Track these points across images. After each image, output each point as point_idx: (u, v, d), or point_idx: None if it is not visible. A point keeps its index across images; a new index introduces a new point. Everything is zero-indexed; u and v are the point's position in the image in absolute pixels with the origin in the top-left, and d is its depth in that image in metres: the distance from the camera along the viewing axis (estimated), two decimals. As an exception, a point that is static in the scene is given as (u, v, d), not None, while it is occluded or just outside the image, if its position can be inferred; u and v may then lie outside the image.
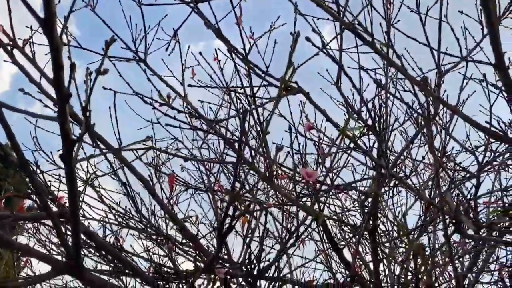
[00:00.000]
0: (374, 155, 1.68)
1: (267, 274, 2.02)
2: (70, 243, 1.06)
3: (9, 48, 1.67)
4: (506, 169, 2.55)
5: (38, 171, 1.84)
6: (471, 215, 1.33)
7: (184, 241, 2.12)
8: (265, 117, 2.06)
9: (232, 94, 1.93)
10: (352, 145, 1.73)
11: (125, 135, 2.13)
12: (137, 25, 2.23)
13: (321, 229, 2.05)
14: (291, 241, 1.75)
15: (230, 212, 0.96)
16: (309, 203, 2.05)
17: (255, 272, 1.48)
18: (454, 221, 1.29)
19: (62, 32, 0.73)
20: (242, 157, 1.28)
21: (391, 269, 2.81)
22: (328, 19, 1.59)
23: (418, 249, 1.05)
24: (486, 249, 2.56)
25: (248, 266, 1.45)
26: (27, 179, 1.68)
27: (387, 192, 2.36)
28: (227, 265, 1.87)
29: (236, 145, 2.19)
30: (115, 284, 1.31)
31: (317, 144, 1.96)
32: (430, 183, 2.32)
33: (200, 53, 2.16)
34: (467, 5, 2.14)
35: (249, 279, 1.47)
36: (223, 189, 2.41)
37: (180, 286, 2.08)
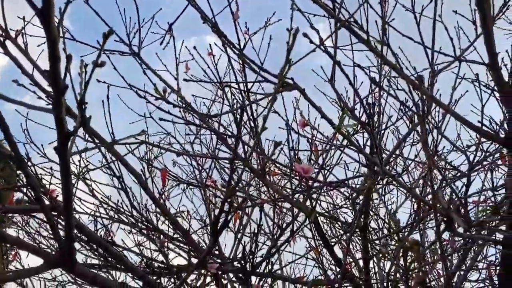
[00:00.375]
0: (367, 153, 1.69)
1: (257, 270, 2.02)
2: (62, 237, 1.05)
3: (1, 39, 1.65)
4: (496, 168, 2.58)
5: (30, 164, 1.82)
6: (463, 213, 1.34)
7: (175, 236, 2.12)
8: (258, 113, 2.07)
9: (227, 89, 1.92)
10: (345, 142, 1.74)
11: (116, 129, 2.12)
12: (131, 18, 2.22)
13: (313, 225, 2.06)
14: (285, 237, 1.75)
15: (225, 207, 0.96)
16: (301, 200, 2.06)
17: (248, 268, 1.48)
18: (445, 219, 1.30)
19: (60, 24, 0.72)
20: (236, 153, 1.28)
21: (381, 266, 2.83)
22: (324, 15, 1.59)
23: (413, 245, 1.06)
24: (474, 247, 2.59)
25: (242, 262, 1.45)
26: (19, 172, 1.66)
27: (379, 190, 2.37)
28: (218, 260, 1.87)
29: (229, 140, 2.19)
30: (106, 278, 1.30)
31: (310, 141, 1.96)
32: (421, 181, 2.34)
33: (194, 47, 2.15)
34: (461, 4, 2.15)
35: (242, 274, 1.48)
36: (216, 184, 2.40)
37: (171, 281, 2.08)
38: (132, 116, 2.54)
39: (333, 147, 1.84)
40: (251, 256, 1.47)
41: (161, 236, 2.02)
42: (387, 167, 2.11)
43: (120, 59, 2.31)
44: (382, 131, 1.86)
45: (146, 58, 2.21)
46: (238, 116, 2.03)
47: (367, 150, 1.96)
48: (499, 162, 2.49)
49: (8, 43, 1.77)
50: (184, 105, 1.72)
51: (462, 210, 1.21)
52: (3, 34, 1.70)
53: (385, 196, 2.48)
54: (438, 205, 1.22)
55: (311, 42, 1.45)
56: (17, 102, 0.74)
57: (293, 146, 1.88)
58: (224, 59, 2.34)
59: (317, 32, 1.47)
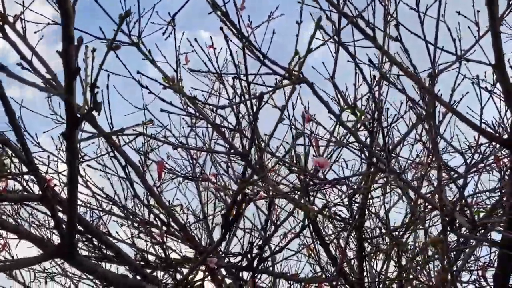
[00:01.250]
0: (373, 150, 1.67)
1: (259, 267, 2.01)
2: (64, 228, 1.02)
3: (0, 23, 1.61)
4: (491, 171, 2.59)
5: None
6: (467, 214, 1.33)
7: (170, 229, 2.09)
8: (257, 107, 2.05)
9: (228, 81, 1.90)
10: (350, 138, 1.72)
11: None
12: (131, 8, 2.18)
13: (310, 223, 2.04)
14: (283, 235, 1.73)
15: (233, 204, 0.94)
16: (296, 196, 2.04)
17: (254, 264, 1.46)
18: (448, 219, 1.29)
19: (75, 3, 0.69)
20: (251, 146, 1.26)
21: (372, 265, 2.83)
22: (330, 10, 1.58)
23: (436, 242, 1.04)
24: (466, 248, 2.60)
25: (249, 258, 1.43)
26: (15, 160, 1.62)
27: (383, 188, 2.36)
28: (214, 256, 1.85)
29: (226, 133, 2.17)
30: (106, 269, 1.28)
31: (311, 136, 1.94)
32: (416, 181, 2.34)
33: (195, 39, 2.12)
34: (462, 5, 2.15)
35: (249, 271, 1.46)
36: (216, 179, 2.38)
37: (167, 274, 2.05)
38: (128, 108, 2.50)
39: (335, 144, 1.82)
40: (259, 252, 1.45)
41: (162, 228, 1.99)
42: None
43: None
44: (387, 128, 1.85)
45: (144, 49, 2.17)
46: (237, 109, 2.01)
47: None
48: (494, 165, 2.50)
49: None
50: (190, 96, 1.69)
51: (467, 210, 1.20)
52: (1, 18, 1.66)
53: (385, 195, 2.47)
54: (444, 205, 1.21)
55: (326, 33, 1.43)
56: (29, 83, 0.71)
57: (293, 141, 1.86)
58: (223, 54, 2.33)
59: (333, 24, 1.45)
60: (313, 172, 1.43)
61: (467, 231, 1.37)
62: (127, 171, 1.89)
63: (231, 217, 0.92)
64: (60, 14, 0.67)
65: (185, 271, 1.95)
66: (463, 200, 1.46)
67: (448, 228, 1.37)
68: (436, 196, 1.40)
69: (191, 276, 1.78)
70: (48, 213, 2.04)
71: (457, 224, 1.43)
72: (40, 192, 1.01)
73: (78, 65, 0.94)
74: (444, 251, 1.13)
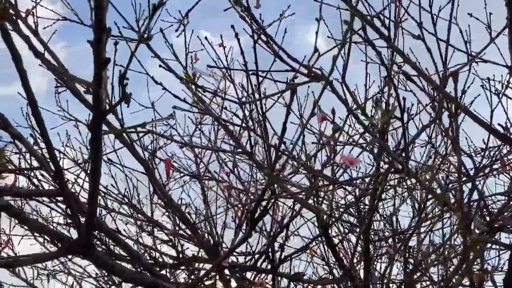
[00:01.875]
0: (391, 150, 1.66)
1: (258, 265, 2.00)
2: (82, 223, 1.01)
3: (13, 17, 1.59)
4: (498, 175, 2.58)
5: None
6: (485, 216, 1.32)
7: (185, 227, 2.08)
8: (267, 107, 2.04)
9: (237, 78, 1.88)
10: (361, 137, 1.71)
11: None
12: (141, 5, 2.17)
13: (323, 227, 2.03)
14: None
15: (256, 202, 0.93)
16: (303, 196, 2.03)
17: (275, 265, 1.44)
18: (467, 221, 1.28)
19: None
20: (281, 141, 1.24)
21: (375, 267, 2.82)
22: (347, 8, 1.57)
23: (476, 241, 1.03)
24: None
25: (270, 258, 1.42)
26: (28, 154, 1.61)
27: (387, 191, 2.35)
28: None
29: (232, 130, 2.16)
30: (124, 267, 1.26)
31: (322, 136, 1.93)
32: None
33: (206, 38, 2.11)
34: (473, 8, 2.15)
35: (270, 273, 1.44)
36: (228, 177, 2.37)
37: (173, 274, 2.04)
38: (131, 106, 2.48)
39: (343, 144, 1.82)
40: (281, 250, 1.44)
41: (175, 226, 1.97)
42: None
43: (123, 47, 2.26)
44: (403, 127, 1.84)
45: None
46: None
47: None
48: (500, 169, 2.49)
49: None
50: (204, 89, 1.67)
51: (485, 212, 1.19)
52: (14, 13, 1.64)
53: (397, 197, 2.47)
54: (461, 207, 1.20)
55: (351, 29, 1.42)
56: (60, 71, 0.69)
57: (304, 141, 1.86)
58: (231, 53, 2.32)
59: (361, 20, 1.44)
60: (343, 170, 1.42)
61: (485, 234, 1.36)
62: (151, 165, 1.87)
63: (256, 215, 0.90)
64: (94, 4, 0.66)
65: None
66: (482, 202, 1.45)
67: (465, 229, 1.36)
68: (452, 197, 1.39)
69: (202, 274, 1.77)
70: (56, 208, 2.03)
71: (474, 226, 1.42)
72: (57, 187, 0.99)
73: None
74: (482, 251, 1.11)
